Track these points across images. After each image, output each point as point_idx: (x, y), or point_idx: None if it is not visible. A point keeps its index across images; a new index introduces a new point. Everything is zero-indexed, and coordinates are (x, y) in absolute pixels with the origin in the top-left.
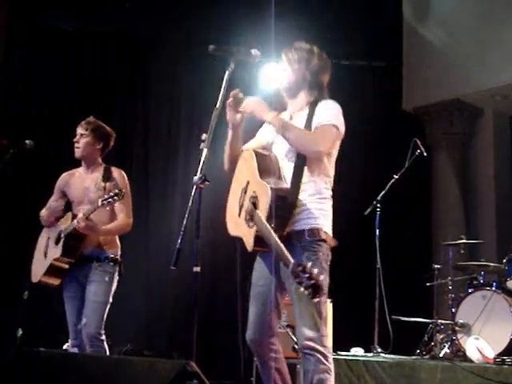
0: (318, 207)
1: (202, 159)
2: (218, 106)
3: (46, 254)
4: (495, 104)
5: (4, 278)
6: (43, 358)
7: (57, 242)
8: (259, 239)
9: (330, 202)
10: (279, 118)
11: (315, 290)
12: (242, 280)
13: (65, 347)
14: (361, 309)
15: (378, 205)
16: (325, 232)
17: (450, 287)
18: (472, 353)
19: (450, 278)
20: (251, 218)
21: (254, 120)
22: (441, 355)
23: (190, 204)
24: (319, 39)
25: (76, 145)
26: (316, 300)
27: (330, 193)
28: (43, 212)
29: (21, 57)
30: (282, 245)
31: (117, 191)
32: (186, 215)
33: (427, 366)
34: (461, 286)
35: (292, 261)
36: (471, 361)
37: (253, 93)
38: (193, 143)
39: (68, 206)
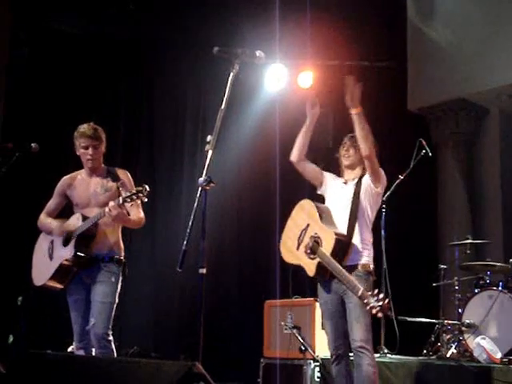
0: (366, 248)
1: (208, 161)
2: (223, 107)
3: (51, 257)
4: (501, 103)
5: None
6: (49, 361)
7: (65, 244)
8: (320, 268)
9: (371, 240)
10: (361, 112)
11: (384, 309)
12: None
13: (70, 350)
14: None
15: (384, 205)
16: (368, 265)
17: (457, 287)
18: (479, 353)
19: (456, 278)
20: (312, 252)
21: None
22: (448, 355)
23: (195, 206)
24: (323, 40)
25: (90, 157)
26: (380, 315)
27: (371, 237)
28: (47, 223)
29: (25, 58)
30: (348, 274)
31: (140, 188)
32: (192, 217)
33: (434, 366)
34: (467, 286)
35: (361, 288)
36: (478, 361)
37: (257, 94)
38: (198, 145)
39: (68, 208)
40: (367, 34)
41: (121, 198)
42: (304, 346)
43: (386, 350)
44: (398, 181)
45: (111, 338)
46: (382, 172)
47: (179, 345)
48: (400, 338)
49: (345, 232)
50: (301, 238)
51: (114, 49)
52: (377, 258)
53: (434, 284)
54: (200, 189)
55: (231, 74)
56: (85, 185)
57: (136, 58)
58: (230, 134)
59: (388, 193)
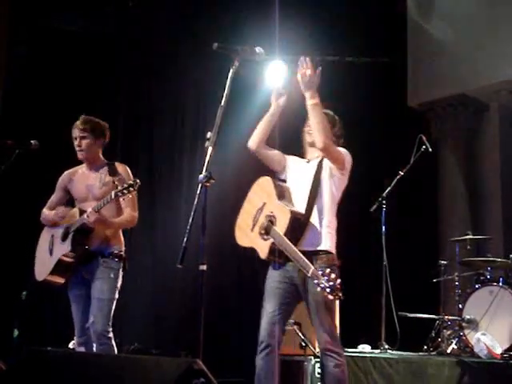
0: (325, 231)
1: (208, 157)
2: (222, 104)
3: (51, 252)
4: (501, 99)
5: (4, 278)
6: (50, 358)
7: (64, 239)
8: (273, 250)
9: (335, 226)
10: (318, 101)
11: (333, 290)
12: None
13: (70, 345)
14: (368, 305)
15: (384, 201)
16: (333, 255)
17: (457, 283)
18: (479, 348)
19: (456, 273)
20: (266, 232)
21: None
22: (448, 351)
23: (195, 202)
24: (323, 36)
25: (78, 148)
26: (331, 298)
27: (335, 219)
28: (47, 213)
29: (23, 57)
30: (300, 254)
31: (131, 182)
32: (192, 213)
33: (434, 362)
34: (468, 281)
35: (312, 266)
36: (478, 356)
37: (257, 91)
38: (198, 141)
39: (71, 203)
40: (367, 30)
41: (112, 192)
42: (304, 342)
43: (386, 346)
44: (398, 177)
45: (111, 334)
46: (345, 156)
47: (179, 341)
48: (400, 334)
49: (303, 211)
50: (256, 218)
51: (113, 47)
52: (377, 254)
53: (434, 280)
54: (200, 185)
55: (231, 71)
56: (83, 179)
57: (135, 56)
58: (229, 130)
59: (388, 189)
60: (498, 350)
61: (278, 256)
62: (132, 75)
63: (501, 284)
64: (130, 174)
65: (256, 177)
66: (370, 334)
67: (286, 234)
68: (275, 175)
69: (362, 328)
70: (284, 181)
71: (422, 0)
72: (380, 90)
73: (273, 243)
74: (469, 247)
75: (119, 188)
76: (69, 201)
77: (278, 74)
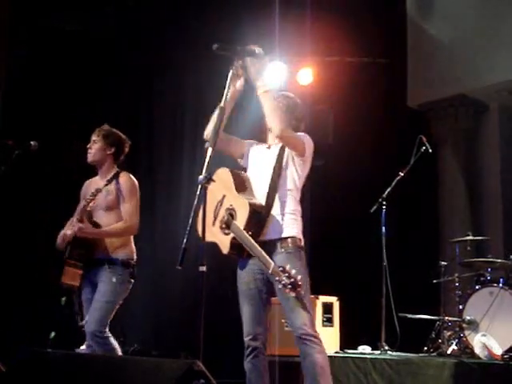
0: (292, 218)
1: (207, 158)
2: (222, 104)
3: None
4: (501, 99)
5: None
6: (50, 359)
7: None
8: (234, 245)
9: (299, 214)
10: (269, 88)
11: (294, 287)
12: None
13: (83, 347)
14: (368, 306)
15: (384, 202)
16: (298, 239)
17: (457, 284)
18: (480, 350)
19: (456, 274)
20: (227, 226)
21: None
22: (448, 352)
23: (195, 203)
24: (323, 37)
25: (89, 150)
26: (293, 294)
27: (299, 204)
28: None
29: (23, 57)
30: (260, 249)
31: (96, 188)
32: (192, 214)
33: (435, 363)
34: (468, 282)
35: (272, 263)
36: (479, 358)
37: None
38: (198, 142)
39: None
40: (367, 31)
41: (85, 200)
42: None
43: (386, 347)
44: (398, 177)
45: (107, 334)
46: (305, 141)
47: (180, 343)
48: (401, 335)
49: (263, 202)
50: (216, 211)
51: (113, 47)
52: (377, 255)
53: (434, 281)
54: (200, 186)
55: (230, 71)
56: (93, 187)
57: (135, 56)
58: (229, 131)
59: (388, 189)
60: (499, 351)
61: (239, 251)
62: (132, 75)
63: (501, 285)
64: (132, 183)
65: None
66: (370, 335)
67: (246, 228)
68: (237, 163)
69: (362, 329)
70: (244, 169)
71: (421, 0)
72: (380, 91)
73: (234, 238)
74: (469, 248)
75: (89, 197)
76: None
77: (277, 74)
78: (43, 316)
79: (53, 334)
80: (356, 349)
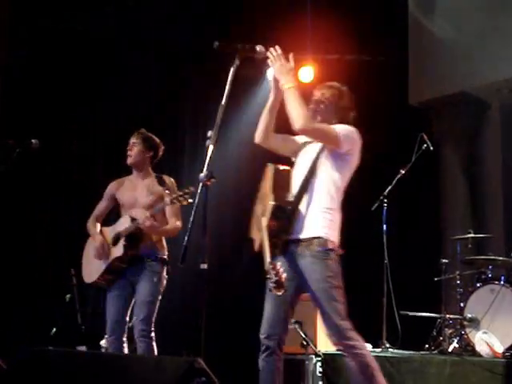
0: (322, 217)
1: (208, 156)
2: (223, 102)
3: (99, 257)
4: (502, 97)
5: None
6: (52, 357)
7: (114, 243)
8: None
9: (336, 213)
10: (291, 87)
11: (278, 285)
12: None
13: (102, 343)
14: (369, 304)
15: (385, 200)
16: (330, 241)
17: (458, 282)
18: (481, 347)
19: (458, 272)
20: (259, 224)
21: None
22: (449, 350)
23: (196, 201)
24: (324, 35)
25: (129, 152)
26: (276, 293)
27: (338, 205)
28: (91, 230)
29: (23, 57)
30: (267, 246)
31: (186, 190)
32: (193, 212)
33: (436, 361)
34: (469, 280)
35: (268, 260)
36: (480, 355)
37: (258, 89)
38: (199, 140)
39: (114, 210)
40: (368, 28)
41: (168, 199)
42: (306, 341)
43: (387, 345)
44: (399, 175)
45: (153, 334)
46: (341, 132)
47: (181, 340)
48: (402, 333)
49: (294, 198)
50: (258, 208)
51: (113, 47)
52: (378, 253)
53: (435, 278)
54: (201, 184)
55: (232, 69)
56: (132, 187)
57: (135, 54)
58: (230, 129)
59: (389, 187)
60: (500, 349)
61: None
62: (132, 75)
63: (502, 282)
64: (175, 186)
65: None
66: (371, 333)
67: (269, 224)
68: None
69: (363, 327)
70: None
71: None
72: (381, 89)
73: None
74: (470, 246)
75: (174, 196)
76: (113, 209)
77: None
78: (43, 315)
79: (54, 330)
80: None
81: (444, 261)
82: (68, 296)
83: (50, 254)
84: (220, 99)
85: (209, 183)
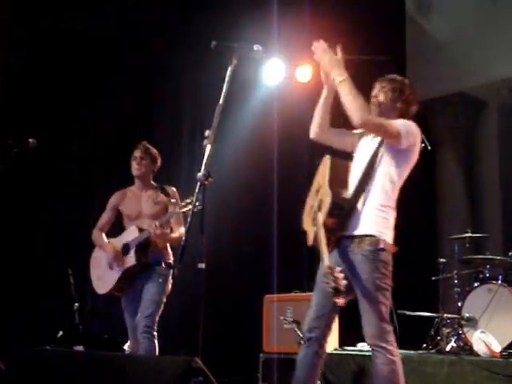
0: (376, 215)
1: (206, 155)
2: (221, 102)
3: (111, 266)
4: (500, 97)
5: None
6: (50, 357)
7: (125, 253)
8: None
9: (391, 211)
10: (344, 80)
11: (336, 292)
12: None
13: (125, 347)
14: None
15: None
16: (382, 240)
17: (456, 281)
18: (478, 347)
19: (455, 271)
20: (315, 218)
21: None
22: (447, 349)
23: (193, 201)
24: (321, 34)
25: (136, 166)
26: (335, 300)
27: (393, 202)
28: (97, 240)
29: (24, 57)
30: (324, 245)
31: (188, 200)
32: (190, 212)
33: (434, 360)
34: (466, 279)
35: (326, 263)
36: (478, 355)
37: (255, 88)
38: (196, 140)
39: (118, 221)
40: (366, 28)
41: (177, 208)
42: (303, 341)
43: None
44: None
45: (155, 333)
46: (401, 127)
47: (179, 340)
48: (399, 332)
49: (350, 194)
50: (313, 201)
51: (113, 47)
52: None
53: (433, 278)
54: (198, 184)
55: (229, 69)
56: (136, 198)
57: (134, 54)
58: (228, 128)
59: None
60: (498, 348)
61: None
62: (132, 75)
63: (500, 282)
64: (178, 196)
65: (254, 174)
66: None
67: (326, 221)
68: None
69: (361, 326)
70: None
71: None
72: None
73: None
74: (468, 245)
75: (182, 204)
76: (115, 220)
77: (276, 71)
78: (42, 315)
79: (60, 333)
80: (355, 346)
81: (442, 260)
82: (76, 305)
83: (49, 254)
84: (218, 99)
85: (206, 183)
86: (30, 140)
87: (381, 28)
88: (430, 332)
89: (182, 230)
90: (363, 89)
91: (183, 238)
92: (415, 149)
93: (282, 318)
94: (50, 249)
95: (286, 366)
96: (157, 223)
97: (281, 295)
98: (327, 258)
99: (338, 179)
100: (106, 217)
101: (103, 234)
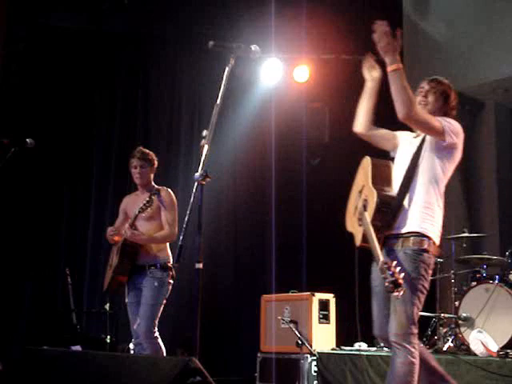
0: (421, 212)
1: (203, 156)
2: (218, 102)
3: (110, 266)
4: (496, 97)
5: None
6: (47, 357)
7: (117, 253)
8: (365, 237)
9: (437, 209)
10: (397, 69)
11: (395, 286)
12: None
13: (130, 346)
14: (364, 303)
15: None
16: (427, 240)
17: (453, 281)
18: (475, 346)
19: (452, 271)
20: (361, 218)
21: None
22: (444, 349)
23: (191, 200)
24: (318, 34)
25: (136, 175)
26: (395, 294)
27: (439, 200)
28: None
29: (21, 56)
30: (376, 243)
31: (147, 199)
32: (188, 212)
33: None
34: (463, 279)
35: (381, 258)
36: (475, 354)
37: (253, 88)
38: (194, 140)
39: None
40: (363, 28)
41: (136, 209)
42: (301, 341)
43: (382, 344)
44: None
45: (157, 334)
46: (445, 123)
47: (176, 340)
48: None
49: (396, 193)
50: (356, 202)
51: (109, 44)
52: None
53: (430, 277)
54: (196, 183)
55: (227, 69)
56: (136, 200)
57: (131, 54)
58: (225, 128)
59: None
60: (495, 348)
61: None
62: (128, 73)
63: (497, 281)
64: (171, 196)
65: (252, 174)
66: (366, 332)
67: (373, 219)
68: (389, 154)
69: (359, 326)
70: (393, 159)
71: None
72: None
73: (364, 230)
74: (465, 245)
75: (140, 205)
76: None
77: (274, 71)
78: (41, 315)
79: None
80: (352, 346)
81: (439, 260)
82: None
83: (47, 255)
84: (215, 98)
85: (204, 182)
86: (28, 140)
87: None
88: (427, 331)
89: (172, 229)
90: (360, 88)
91: (180, 238)
92: (459, 146)
93: (279, 317)
94: (47, 248)
95: (284, 365)
96: (126, 225)
97: (278, 295)
98: (381, 254)
99: (381, 178)
100: (118, 220)
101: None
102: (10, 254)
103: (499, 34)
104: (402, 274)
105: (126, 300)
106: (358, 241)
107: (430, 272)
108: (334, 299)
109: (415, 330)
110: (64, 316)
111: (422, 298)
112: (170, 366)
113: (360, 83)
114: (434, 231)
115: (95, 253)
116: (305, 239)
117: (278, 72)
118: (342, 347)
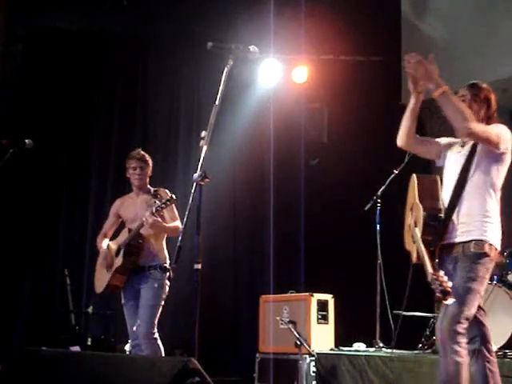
0: (479, 220)
1: (202, 156)
2: (217, 102)
3: (107, 268)
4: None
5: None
6: (45, 357)
7: (117, 254)
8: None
9: (494, 215)
10: (444, 91)
11: (444, 294)
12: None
13: (126, 347)
14: (362, 304)
15: (379, 200)
16: (488, 244)
17: None
18: None
19: None
20: (413, 235)
21: None
22: None
23: (190, 201)
24: (317, 35)
25: (137, 176)
26: (445, 302)
27: (495, 206)
28: (99, 246)
29: (19, 56)
30: (426, 258)
31: (168, 197)
32: (187, 213)
33: (429, 360)
34: None
35: (430, 270)
36: None
37: (252, 89)
38: (192, 141)
39: (121, 225)
40: (361, 29)
41: (153, 207)
42: (299, 341)
43: (381, 344)
44: (392, 175)
45: (156, 335)
46: (498, 131)
47: (175, 340)
48: (395, 332)
49: (445, 204)
50: (409, 219)
51: (108, 44)
52: (372, 253)
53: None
54: (195, 184)
55: (225, 70)
56: (132, 203)
57: (130, 54)
58: (224, 129)
59: (383, 187)
60: (493, 348)
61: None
62: (126, 73)
63: (495, 282)
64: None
65: (251, 175)
66: (364, 333)
67: (423, 235)
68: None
69: (357, 326)
70: (441, 168)
71: None
72: (374, 89)
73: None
74: None
75: (157, 203)
76: (119, 226)
77: (272, 71)
78: (41, 316)
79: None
80: (351, 346)
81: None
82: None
83: (45, 255)
84: (214, 99)
85: (203, 183)
86: (27, 141)
87: (376, 29)
88: (426, 332)
89: (178, 223)
90: (359, 89)
91: (179, 238)
92: (509, 151)
93: (278, 318)
94: (46, 249)
95: (282, 366)
96: (147, 213)
97: (277, 295)
98: (430, 267)
99: (427, 193)
100: (108, 222)
101: (105, 239)
102: (9, 254)
103: (497, 35)
104: (450, 283)
105: (123, 301)
106: (413, 258)
107: (488, 277)
108: (332, 300)
109: (463, 331)
110: (63, 316)
111: (475, 300)
112: (168, 367)
113: (358, 84)
114: (495, 238)
115: (94, 253)
116: (303, 240)
117: (276, 72)
118: (341, 348)
